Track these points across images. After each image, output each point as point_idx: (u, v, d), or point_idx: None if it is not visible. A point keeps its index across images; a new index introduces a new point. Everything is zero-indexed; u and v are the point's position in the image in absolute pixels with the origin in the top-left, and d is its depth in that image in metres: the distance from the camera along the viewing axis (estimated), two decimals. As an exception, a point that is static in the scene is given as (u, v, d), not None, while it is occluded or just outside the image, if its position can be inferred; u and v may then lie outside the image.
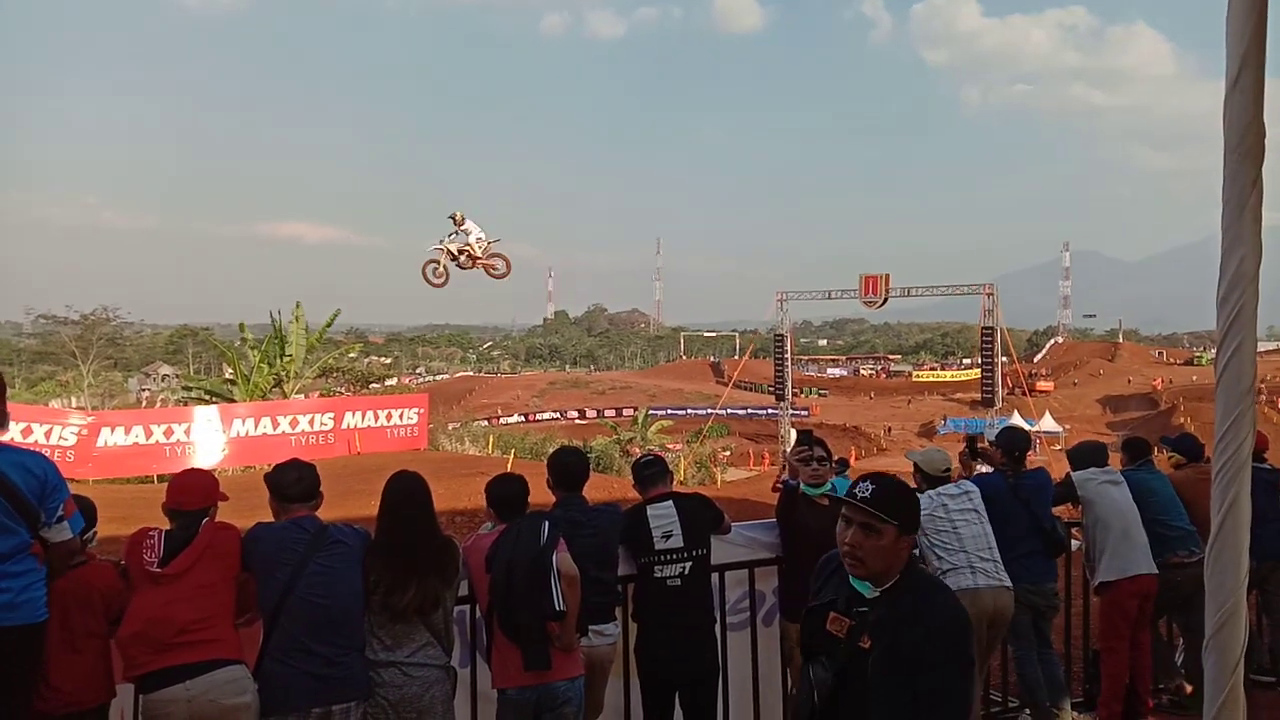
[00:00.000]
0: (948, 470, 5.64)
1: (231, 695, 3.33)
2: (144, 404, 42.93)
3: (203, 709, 3.27)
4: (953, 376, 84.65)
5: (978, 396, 40.85)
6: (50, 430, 21.47)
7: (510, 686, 3.87)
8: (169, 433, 23.37)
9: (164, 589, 3.36)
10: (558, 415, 76.78)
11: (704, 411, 64.55)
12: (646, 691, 4.52)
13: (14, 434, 18.82)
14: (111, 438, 22.58)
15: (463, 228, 19.40)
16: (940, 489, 5.41)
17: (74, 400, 36.43)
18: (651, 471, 4.71)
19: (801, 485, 4.99)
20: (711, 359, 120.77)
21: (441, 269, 19.32)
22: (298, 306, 29.98)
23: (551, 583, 3.81)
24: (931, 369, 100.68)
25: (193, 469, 4.03)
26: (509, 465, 21.47)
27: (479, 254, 19.30)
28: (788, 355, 44.25)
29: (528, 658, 3.80)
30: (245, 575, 3.55)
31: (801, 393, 73.47)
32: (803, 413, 63.51)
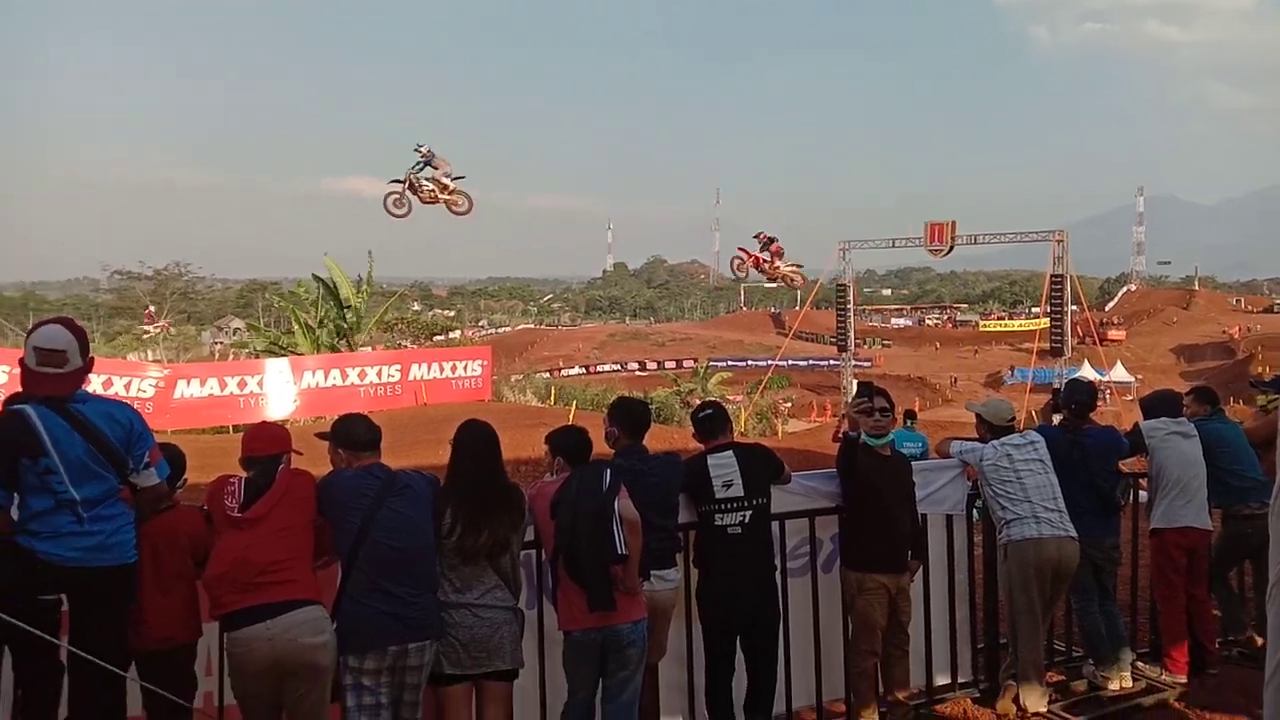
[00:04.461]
0: (1012, 420, 5.60)
1: (310, 634, 3.48)
2: (216, 356, 44.15)
3: (283, 647, 3.43)
4: (1021, 326, 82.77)
5: (1046, 346, 39.83)
6: (129, 383, 22.23)
7: (576, 628, 3.98)
8: (242, 384, 24.06)
9: (245, 533, 3.51)
10: (618, 367, 77.12)
11: (764, 363, 64.27)
12: (709, 636, 4.61)
13: (95, 386, 19.58)
14: (188, 390, 23.34)
15: (430, 161, 19.73)
16: (1005, 439, 5.38)
17: (149, 354, 37.59)
18: (711, 420, 4.75)
19: (863, 435, 5.00)
20: (772, 310, 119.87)
21: (404, 200, 19.76)
22: (328, 258, 30.53)
23: (614, 528, 3.89)
24: (999, 318, 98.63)
25: (265, 421, 4.19)
26: (570, 416, 21.72)
27: (445, 187, 19.74)
28: (850, 305, 43.70)
29: (592, 600, 3.90)
30: (322, 520, 3.68)
31: (865, 343, 72.73)
32: (865, 364, 62.94)
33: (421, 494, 3.77)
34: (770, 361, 57.70)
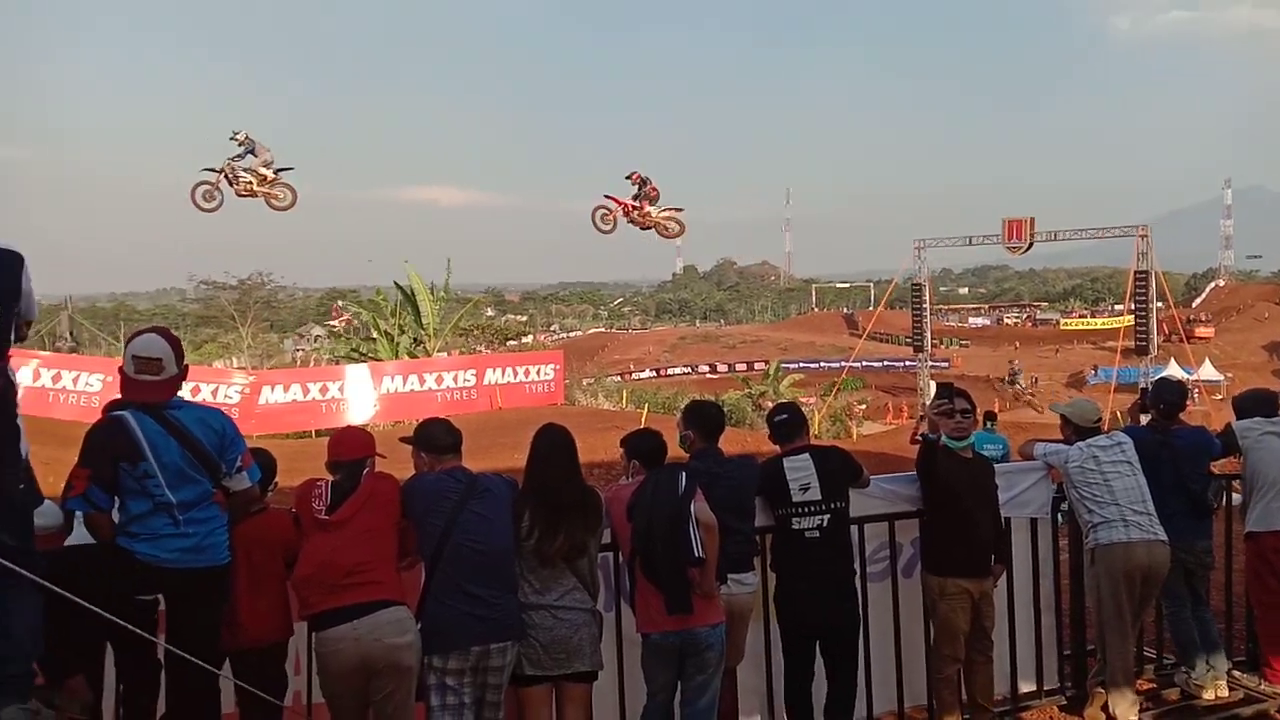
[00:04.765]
0: (1098, 420, 5.46)
1: (395, 634, 3.55)
2: (298, 363, 45.37)
3: (369, 647, 3.51)
4: (1104, 324, 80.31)
5: (1131, 344, 38.53)
6: (216, 389, 22.98)
7: (654, 631, 4.00)
8: (324, 390, 24.71)
9: (331, 535, 3.61)
10: (689, 370, 76.95)
11: (838, 364, 63.47)
12: (787, 641, 4.58)
13: (183, 393, 20.21)
14: (272, 395, 24.05)
15: (252, 150, 18.05)
16: (1090, 440, 5.24)
17: (235, 361, 38.78)
18: (787, 424, 4.72)
19: (943, 438, 4.92)
20: (845, 310, 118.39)
21: (215, 192, 17.98)
22: (408, 264, 30.75)
23: (690, 531, 3.89)
24: (1081, 316, 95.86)
25: (349, 426, 4.31)
26: (643, 420, 21.78)
27: (265, 179, 18.05)
28: (926, 305, 42.89)
29: (670, 603, 3.90)
30: (405, 522, 3.76)
31: (941, 343, 71.33)
32: (942, 364, 61.78)
33: (502, 497, 3.82)
34: (844, 363, 56.98)
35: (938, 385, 5.35)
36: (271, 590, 3.75)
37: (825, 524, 4.49)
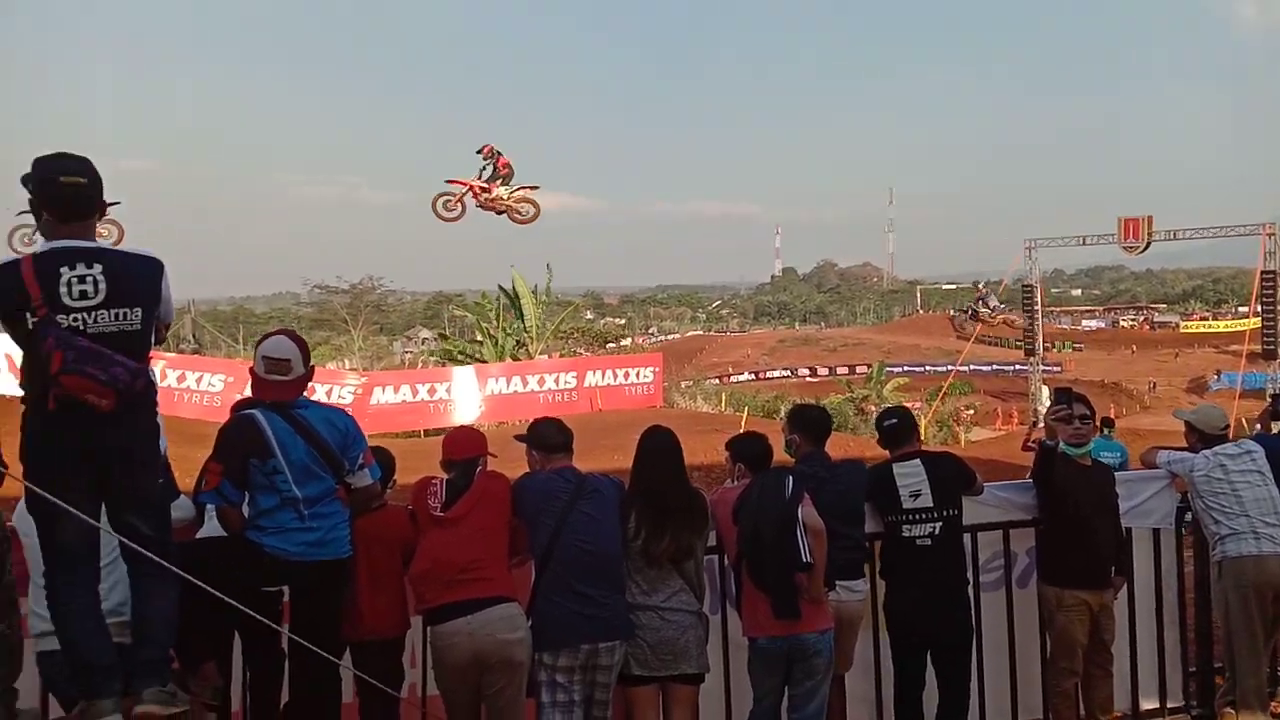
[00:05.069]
0: (1225, 427, 5.21)
1: (507, 630, 3.63)
2: (406, 365, 46.71)
3: (482, 642, 3.59)
4: (1226, 326, 76.48)
5: (1257, 348, 36.50)
6: (330, 390, 23.77)
7: (761, 635, 3.98)
8: (432, 391, 25.36)
9: (446, 531, 3.71)
10: (788, 373, 76.28)
11: (944, 368, 62.05)
12: (897, 650, 4.51)
13: (301, 393, 20.99)
14: (383, 396, 24.81)
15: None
16: (1218, 448, 5.01)
17: (347, 363, 40.15)
18: (897, 428, 4.64)
19: (1061, 445, 4.79)
20: (951, 312, 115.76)
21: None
22: (514, 270, 31.31)
23: (799, 535, 3.87)
24: (1202, 318, 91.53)
25: (463, 426, 4.41)
26: (742, 423, 21.69)
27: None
28: (1037, 306, 41.54)
29: (776, 607, 3.88)
30: (516, 520, 3.85)
31: (1054, 347, 69.03)
32: (1055, 368, 59.75)
33: (610, 498, 3.87)
34: (951, 367, 55.67)
35: (1055, 390, 5.20)
36: (390, 585, 3.86)
37: (937, 531, 4.40)
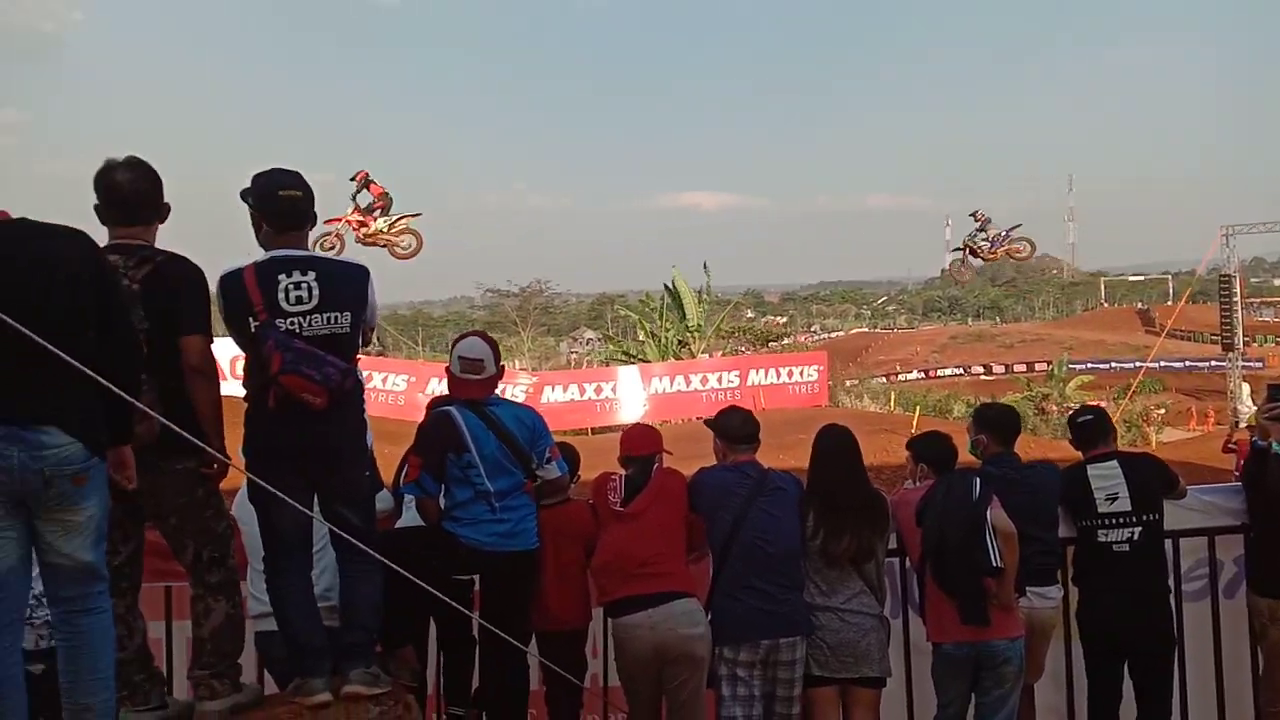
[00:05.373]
0: None
1: (687, 625, 3.68)
2: (572, 365, 47.89)
3: (664, 636, 3.66)
4: None
5: None
6: (504, 389, 24.62)
7: (946, 641, 3.89)
8: (599, 390, 26.09)
9: (626, 526, 3.80)
10: (961, 371, 73.39)
11: (1131, 364, 58.26)
12: (1092, 660, 4.30)
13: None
14: (553, 395, 25.66)
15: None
16: None
17: (517, 363, 41.54)
18: (1091, 426, 4.43)
19: (1274, 445, 4.44)
20: (1139, 305, 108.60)
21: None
22: (675, 270, 31.35)
23: (987, 538, 3.75)
24: None
25: (640, 423, 4.49)
26: (914, 423, 21.07)
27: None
28: (1236, 298, 38.44)
29: (964, 612, 3.78)
30: (694, 516, 3.90)
31: (1255, 341, 63.72)
32: (1256, 364, 55.11)
33: (792, 496, 3.87)
34: (1139, 363, 52.24)
35: (1269, 387, 4.83)
36: (574, 577, 3.99)
37: (1136, 537, 4.17)
